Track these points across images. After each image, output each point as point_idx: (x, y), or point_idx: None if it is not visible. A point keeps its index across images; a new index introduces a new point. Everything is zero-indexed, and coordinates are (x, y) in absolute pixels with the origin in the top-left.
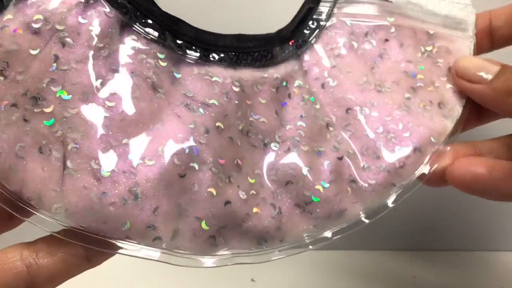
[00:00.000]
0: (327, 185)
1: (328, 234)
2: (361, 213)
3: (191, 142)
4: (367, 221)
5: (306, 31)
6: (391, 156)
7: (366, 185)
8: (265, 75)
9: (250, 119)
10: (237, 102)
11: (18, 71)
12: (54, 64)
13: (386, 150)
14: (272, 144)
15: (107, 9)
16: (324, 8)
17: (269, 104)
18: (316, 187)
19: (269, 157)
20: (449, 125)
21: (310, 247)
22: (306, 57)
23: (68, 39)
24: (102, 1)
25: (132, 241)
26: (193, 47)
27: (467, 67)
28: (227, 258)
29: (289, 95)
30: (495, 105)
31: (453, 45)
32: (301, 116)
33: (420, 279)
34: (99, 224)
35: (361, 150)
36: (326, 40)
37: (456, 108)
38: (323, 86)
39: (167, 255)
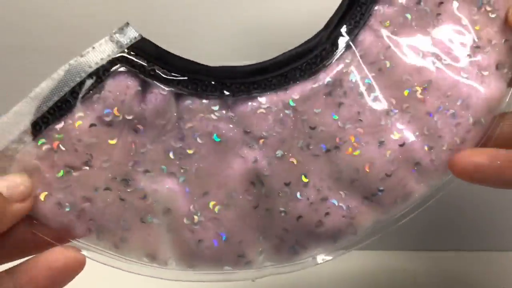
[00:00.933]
0: (390, 174)
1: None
2: (427, 192)
3: (257, 177)
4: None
5: (357, 12)
6: (452, 134)
7: (430, 165)
8: (316, 85)
9: (308, 132)
10: (292, 124)
11: (102, 160)
12: (133, 149)
13: (446, 128)
14: (334, 148)
15: (161, 88)
16: None
17: (324, 112)
18: (381, 178)
19: (333, 161)
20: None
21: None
22: (360, 40)
23: (139, 126)
24: (156, 83)
25: (228, 268)
26: (243, 87)
27: None
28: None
29: (344, 93)
30: None
31: None
32: (358, 112)
33: (420, 279)
34: (201, 263)
35: (423, 131)
36: (379, 17)
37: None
38: (380, 70)
39: (257, 272)
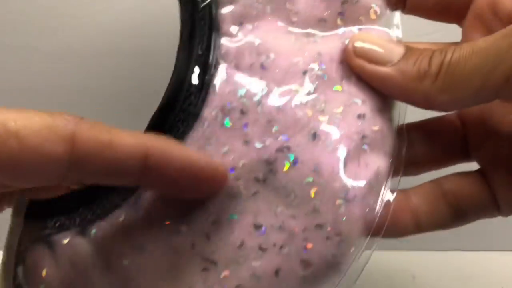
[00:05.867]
0: (346, 163)
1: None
2: (389, 160)
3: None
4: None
5: (202, 29)
6: (371, 93)
7: (374, 133)
8: (206, 126)
9: (231, 177)
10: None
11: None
12: None
13: (363, 87)
14: (269, 173)
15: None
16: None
17: (233, 144)
18: (338, 172)
19: (277, 187)
20: None
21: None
22: (224, 52)
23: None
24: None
25: None
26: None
27: (366, 43)
28: None
29: (241, 112)
30: (403, 93)
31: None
32: (269, 121)
33: (420, 279)
34: None
35: (345, 103)
36: (228, 20)
37: None
38: (262, 66)
39: None
